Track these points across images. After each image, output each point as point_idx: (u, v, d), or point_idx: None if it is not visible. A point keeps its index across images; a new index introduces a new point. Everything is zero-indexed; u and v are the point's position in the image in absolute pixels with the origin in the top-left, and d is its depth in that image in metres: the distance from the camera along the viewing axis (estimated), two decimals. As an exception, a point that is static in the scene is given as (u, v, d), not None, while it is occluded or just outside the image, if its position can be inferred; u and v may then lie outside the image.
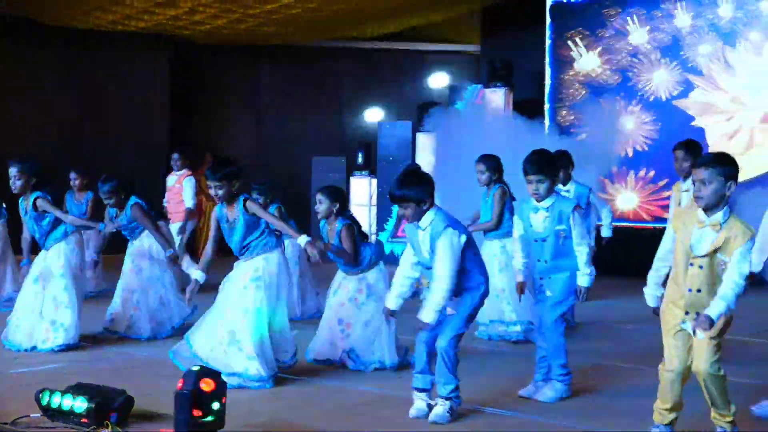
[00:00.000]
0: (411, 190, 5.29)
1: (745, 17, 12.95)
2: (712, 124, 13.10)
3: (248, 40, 16.95)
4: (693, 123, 13.28)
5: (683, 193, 7.29)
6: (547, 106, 14.54)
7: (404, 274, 5.55)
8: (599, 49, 14.29)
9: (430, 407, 5.38)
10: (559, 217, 5.82)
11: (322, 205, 6.96)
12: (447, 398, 5.37)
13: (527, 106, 13.52)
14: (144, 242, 8.07)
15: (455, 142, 12.24)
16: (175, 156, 11.47)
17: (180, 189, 11.10)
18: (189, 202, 11.00)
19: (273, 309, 6.25)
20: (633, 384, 6.42)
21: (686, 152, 7.20)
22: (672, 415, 4.81)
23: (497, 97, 14.44)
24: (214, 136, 17.57)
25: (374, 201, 15.72)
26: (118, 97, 16.43)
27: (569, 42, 14.57)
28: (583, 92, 14.34)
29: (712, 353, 4.60)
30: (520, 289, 6.09)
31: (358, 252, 6.90)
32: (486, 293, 5.50)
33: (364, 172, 15.97)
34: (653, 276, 4.94)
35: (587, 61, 14.44)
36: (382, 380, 6.46)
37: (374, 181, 15.74)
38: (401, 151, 15.30)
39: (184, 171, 11.26)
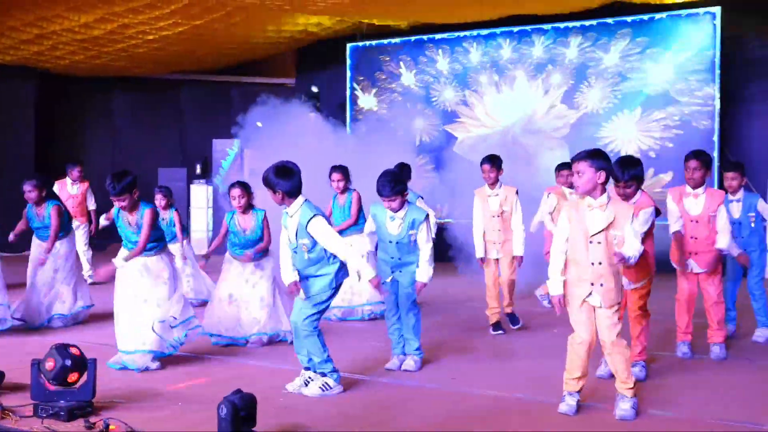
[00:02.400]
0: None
1: (489, 62, 13.76)
2: (475, 142, 13.77)
3: (103, 72, 16.45)
4: (458, 140, 13.99)
5: (492, 198, 7.10)
6: (348, 130, 14.86)
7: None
8: (375, 90, 14.81)
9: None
10: (412, 223, 5.61)
11: (243, 198, 6.75)
12: (323, 374, 5.13)
13: (333, 127, 13.78)
14: (65, 244, 7.63)
15: (269, 154, 12.35)
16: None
17: None
18: None
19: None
20: (474, 351, 6.53)
21: (491, 165, 7.05)
22: (581, 383, 4.61)
23: (309, 121, 14.66)
24: (74, 152, 16.91)
25: (210, 204, 15.70)
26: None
27: (358, 80, 15.04)
28: (375, 118, 14.79)
29: (613, 325, 4.47)
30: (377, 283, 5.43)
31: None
32: (342, 276, 5.15)
33: (202, 180, 15.87)
34: (556, 267, 4.59)
35: (366, 100, 14.96)
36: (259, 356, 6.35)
37: (210, 188, 15.74)
38: (232, 162, 15.39)
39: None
